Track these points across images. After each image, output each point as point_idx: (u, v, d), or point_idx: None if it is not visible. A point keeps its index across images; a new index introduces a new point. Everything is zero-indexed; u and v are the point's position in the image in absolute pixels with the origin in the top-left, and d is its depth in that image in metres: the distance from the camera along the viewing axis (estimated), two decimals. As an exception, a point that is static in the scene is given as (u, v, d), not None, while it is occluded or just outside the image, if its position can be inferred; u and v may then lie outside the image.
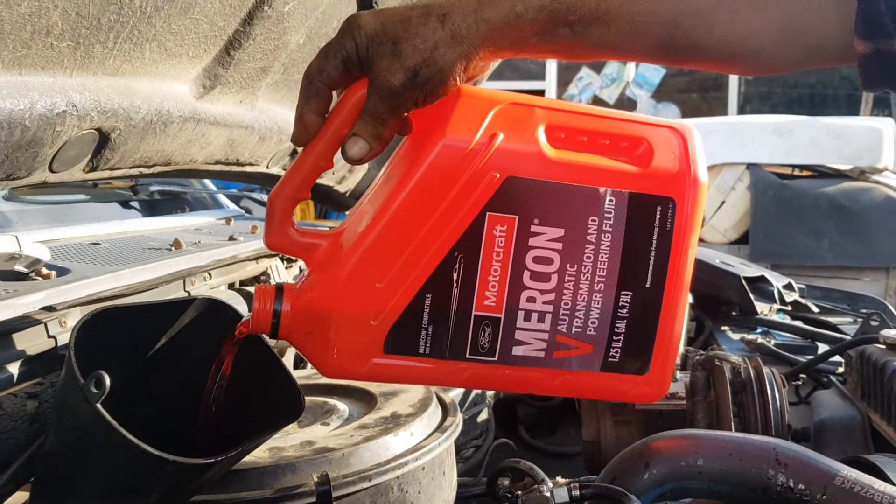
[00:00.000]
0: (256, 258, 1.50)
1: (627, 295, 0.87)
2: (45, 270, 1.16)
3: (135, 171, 1.11)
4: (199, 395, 0.95)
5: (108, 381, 0.77)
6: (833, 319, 2.44)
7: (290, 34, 1.22)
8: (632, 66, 9.32)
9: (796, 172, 5.02)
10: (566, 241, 0.84)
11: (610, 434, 1.58)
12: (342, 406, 1.21)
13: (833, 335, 2.16)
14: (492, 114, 0.83)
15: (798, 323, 2.32)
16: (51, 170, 0.95)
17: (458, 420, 1.18)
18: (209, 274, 1.31)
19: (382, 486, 1.00)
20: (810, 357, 1.96)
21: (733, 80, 9.80)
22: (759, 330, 2.26)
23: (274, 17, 1.13)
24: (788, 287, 2.56)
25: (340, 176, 1.73)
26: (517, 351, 0.86)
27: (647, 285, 0.87)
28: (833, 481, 1.04)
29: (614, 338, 0.88)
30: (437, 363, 0.85)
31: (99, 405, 0.76)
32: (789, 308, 2.47)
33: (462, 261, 0.83)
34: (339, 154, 0.83)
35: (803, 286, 2.65)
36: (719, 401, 1.50)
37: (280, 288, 0.85)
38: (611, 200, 0.85)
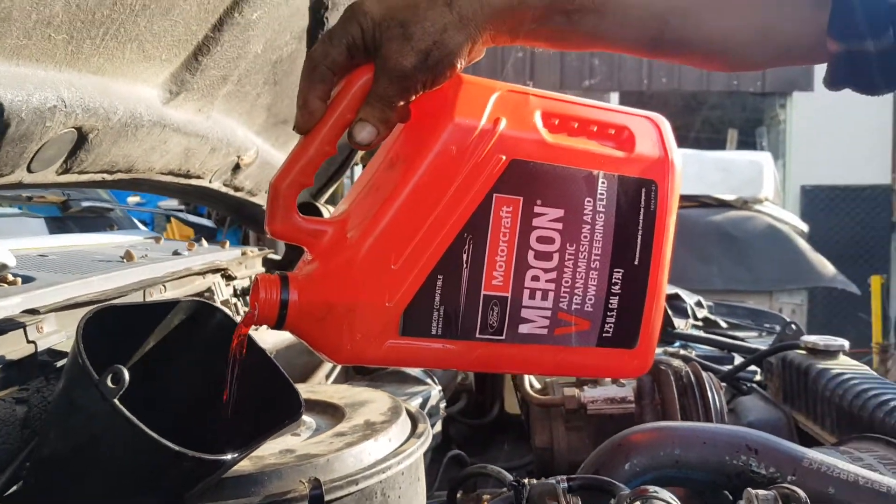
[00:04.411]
0: (203, 273, 1.47)
1: (619, 272, 0.91)
2: (10, 277, 1.11)
3: (98, 178, 1.09)
4: (185, 398, 0.94)
5: (126, 375, 0.75)
6: (740, 334, 2.58)
7: (252, 43, 1.23)
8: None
9: (683, 204, 5.23)
10: (565, 221, 0.88)
11: (562, 440, 1.61)
12: (308, 419, 1.20)
13: (748, 346, 2.27)
14: (493, 99, 0.86)
15: (713, 336, 2.43)
16: (29, 169, 0.92)
17: (428, 427, 1.18)
18: (164, 286, 1.28)
19: (367, 490, 0.98)
20: (730, 367, 2.05)
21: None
22: (677, 343, 2.35)
23: (242, 24, 1.14)
24: (699, 304, 2.69)
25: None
26: (523, 329, 0.88)
27: (636, 263, 0.91)
28: (801, 463, 1.10)
29: (608, 313, 0.91)
30: (449, 343, 0.87)
31: (117, 401, 0.74)
32: (701, 324, 2.58)
33: (471, 241, 0.85)
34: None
35: (711, 304, 2.78)
36: (666, 403, 1.56)
37: (285, 277, 0.85)
38: (603, 182, 0.89)
